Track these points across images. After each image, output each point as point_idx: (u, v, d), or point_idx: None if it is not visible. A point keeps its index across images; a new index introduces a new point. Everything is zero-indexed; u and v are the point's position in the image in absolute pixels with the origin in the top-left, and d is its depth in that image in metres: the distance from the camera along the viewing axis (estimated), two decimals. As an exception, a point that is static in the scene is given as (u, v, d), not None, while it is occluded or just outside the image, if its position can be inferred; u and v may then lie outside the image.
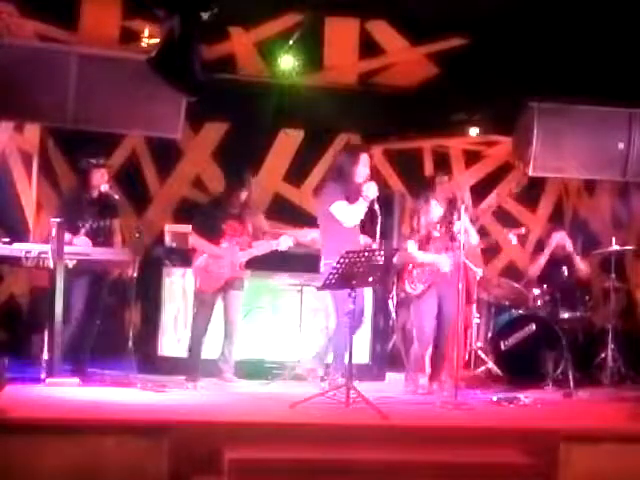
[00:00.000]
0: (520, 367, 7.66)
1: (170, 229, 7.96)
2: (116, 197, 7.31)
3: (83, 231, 6.92)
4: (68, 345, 6.80)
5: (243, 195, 7.14)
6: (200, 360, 7.05)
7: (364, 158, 6.79)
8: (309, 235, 7.32)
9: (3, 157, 8.46)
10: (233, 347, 7.16)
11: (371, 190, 6.60)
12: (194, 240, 7.08)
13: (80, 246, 6.81)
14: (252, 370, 7.41)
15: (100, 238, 6.98)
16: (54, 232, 6.57)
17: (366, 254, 6.03)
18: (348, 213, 6.66)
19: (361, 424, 5.46)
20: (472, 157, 10.28)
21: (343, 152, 7.20)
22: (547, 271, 8.44)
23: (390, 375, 7.76)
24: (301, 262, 7.90)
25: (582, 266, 8.47)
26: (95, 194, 7.06)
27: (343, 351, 6.33)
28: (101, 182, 7.04)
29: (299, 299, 7.55)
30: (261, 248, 7.19)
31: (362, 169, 6.75)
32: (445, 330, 6.97)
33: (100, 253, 6.90)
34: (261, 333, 7.73)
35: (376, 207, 6.61)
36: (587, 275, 8.56)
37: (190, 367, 7.01)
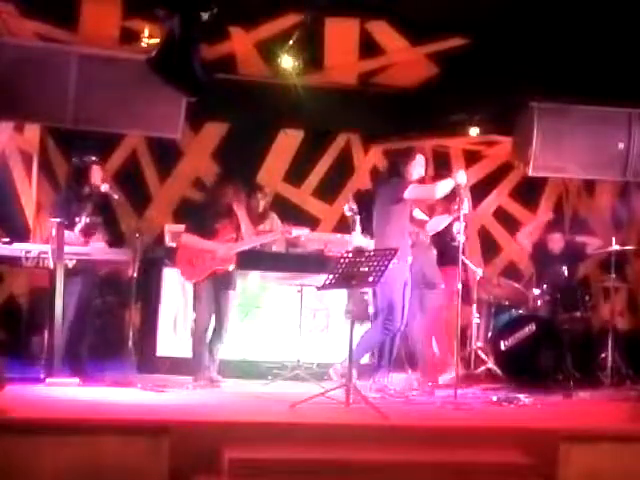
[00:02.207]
0: (520, 367, 7.66)
1: (170, 229, 7.97)
2: (116, 197, 7.31)
3: (78, 227, 6.90)
4: (64, 345, 6.77)
5: (229, 195, 7.13)
6: (204, 358, 7.03)
7: (420, 158, 6.87)
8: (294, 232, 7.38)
9: (3, 157, 8.47)
10: (220, 346, 7.14)
11: (460, 176, 6.64)
12: (186, 238, 7.07)
13: (70, 241, 6.80)
14: (251, 370, 7.41)
15: (93, 235, 6.96)
16: (54, 232, 6.58)
17: (366, 254, 6.03)
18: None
19: (361, 424, 5.46)
20: (472, 157, 10.29)
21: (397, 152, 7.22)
22: (547, 271, 8.44)
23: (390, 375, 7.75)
24: (301, 262, 7.91)
25: (590, 240, 8.53)
26: (90, 190, 7.05)
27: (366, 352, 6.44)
28: (98, 179, 7.05)
29: (299, 299, 7.56)
30: (251, 241, 7.22)
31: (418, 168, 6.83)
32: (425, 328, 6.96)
33: (100, 253, 6.90)
34: (260, 333, 7.73)
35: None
36: (598, 247, 8.60)
37: (195, 366, 7.00)
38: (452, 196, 6.88)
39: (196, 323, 7.07)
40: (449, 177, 6.70)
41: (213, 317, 7.06)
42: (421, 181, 6.88)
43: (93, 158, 7.07)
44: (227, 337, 7.14)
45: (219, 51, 8.14)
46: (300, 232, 7.46)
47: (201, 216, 7.14)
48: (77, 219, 6.88)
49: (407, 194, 6.65)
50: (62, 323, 6.62)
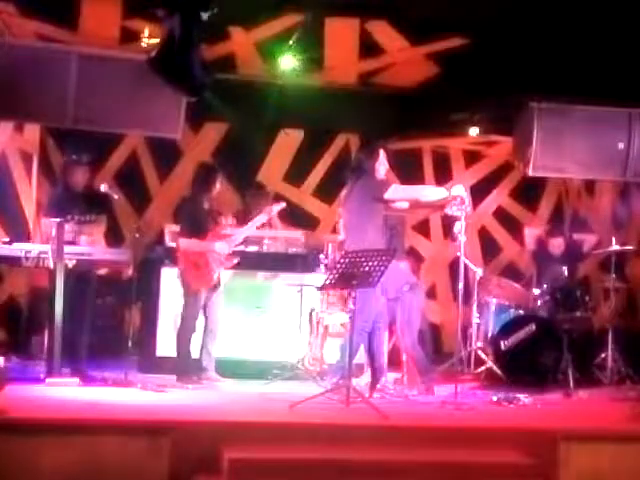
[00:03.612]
0: (520, 367, 7.66)
1: (170, 229, 7.96)
2: (116, 197, 7.30)
3: (68, 225, 6.86)
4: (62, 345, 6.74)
5: (212, 193, 7.12)
6: (190, 360, 7.03)
7: (382, 154, 6.83)
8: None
9: (3, 157, 8.47)
10: (214, 344, 7.14)
11: (457, 190, 6.63)
12: (184, 243, 7.03)
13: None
14: (251, 370, 7.41)
15: (84, 233, 6.91)
16: (54, 232, 6.57)
17: (366, 254, 6.03)
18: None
19: (361, 424, 5.46)
20: (472, 157, 10.29)
21: (361, 150, 7.15)
22: (547, 271, 8.44)
23: (390, 375, 7.75)
24: (301, 262, 7.91)
25: (587, 237, 8.56)
26: (80, 190, 7.03)
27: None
28: (82, 179, 7.03)
29: (299, 299, 7.56)
30: (243, 231, 7.24)
31: (384, 163, 6.83)
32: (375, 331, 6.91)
33: (100, 253, 6.89)
34: (260, 333, 7.73)
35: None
36: (594, 244, 8.59)
37: (182, 368, 6.98)
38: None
39: (185, 324, 7.03)
40: (445, 186, 6.70)
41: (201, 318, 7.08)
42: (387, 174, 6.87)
43: (74, 157, 7.06)
44: (220, 334, 7.17)
45: (219, 51, 8.13)
46: (279, 207, 7.50)
47: (192, 216, 7.10)
48: (68, 217, 6.83)
49: (388, 195, 6.61)
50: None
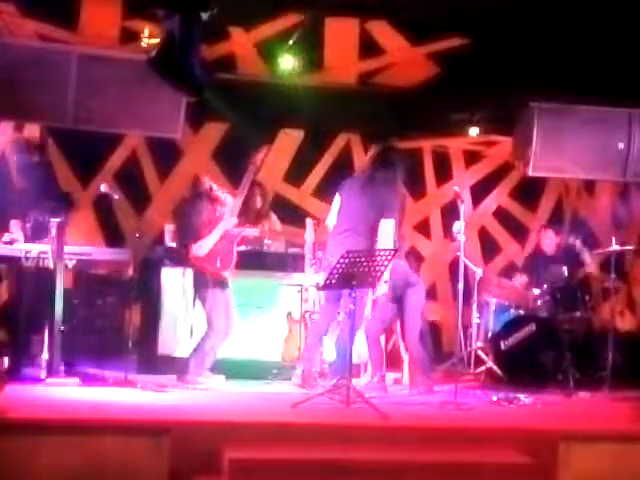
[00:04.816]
0: (520, 367, 7.66)
1: (170, 229, 7.96)
2: (116, 197, 7.30)
3: (28, 226, 6.84)
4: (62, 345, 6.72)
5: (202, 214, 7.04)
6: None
7: None
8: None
9: (3, 157, 8.46)
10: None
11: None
12: (196, 250, 6.90)
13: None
14: (251, 370, 7.41)
15: (43, 234, 6.83)
16: (54, 232, 6.58)
17: (367, 254, 6.03)
18: None
19: (361, 424, 5.46)
20: (472, 157, 10.30)
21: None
22: (546, 272, 8.44)
23: (390, 375, 7.76)
24: (301, 262, 7.91)
25: (589, 260, 8.51)
26: (37, 191, 7.01)
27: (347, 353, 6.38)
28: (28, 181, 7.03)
29: (299, 299, 7.56)
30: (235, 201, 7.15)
31: None
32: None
33: (100, 253, 6.90)
34: (260, 333, 7.73)
35: None
36: (593, 272, 8.56)
37: (187, 368, 6.96)
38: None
39: (217, 328, 6.92)
40: None
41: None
42: None
43: (22, 157, 7.07)
44: None
45: (219, 51, 8.14)
46: (262, 154, 7.35)
47: (191, 223, 7.02)
48: (26, 218, 6.79)
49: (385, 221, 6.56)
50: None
